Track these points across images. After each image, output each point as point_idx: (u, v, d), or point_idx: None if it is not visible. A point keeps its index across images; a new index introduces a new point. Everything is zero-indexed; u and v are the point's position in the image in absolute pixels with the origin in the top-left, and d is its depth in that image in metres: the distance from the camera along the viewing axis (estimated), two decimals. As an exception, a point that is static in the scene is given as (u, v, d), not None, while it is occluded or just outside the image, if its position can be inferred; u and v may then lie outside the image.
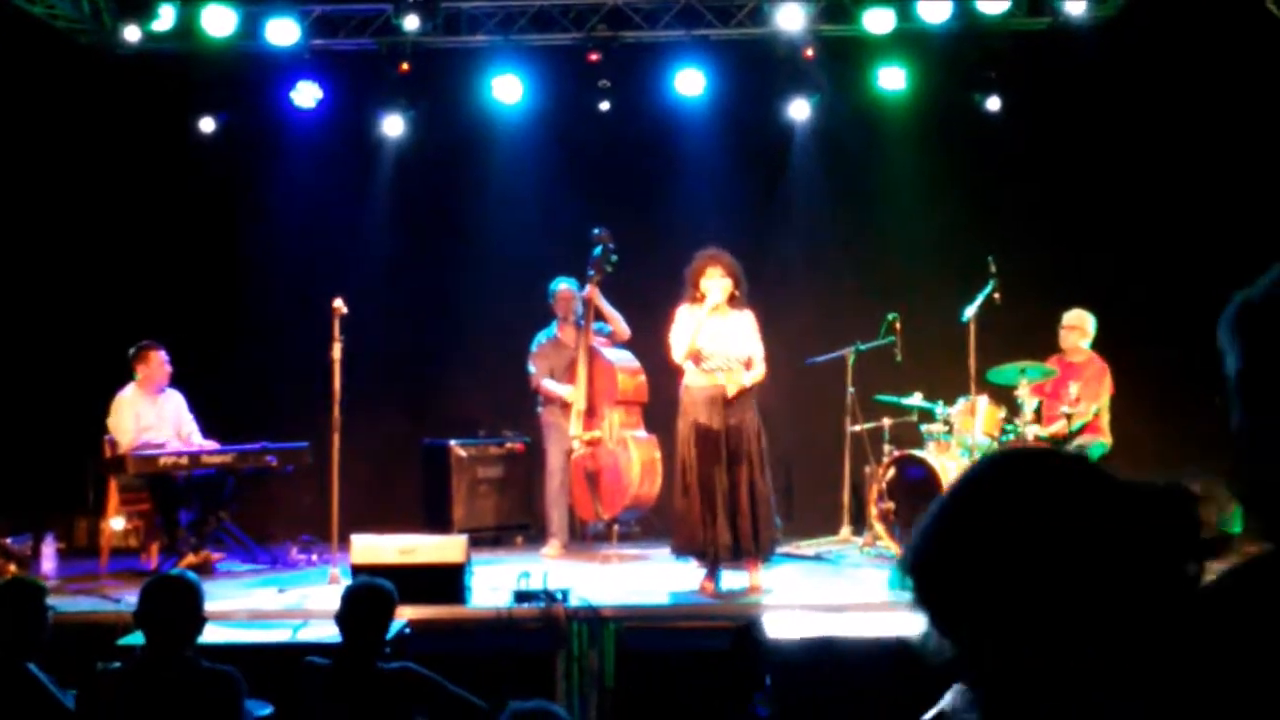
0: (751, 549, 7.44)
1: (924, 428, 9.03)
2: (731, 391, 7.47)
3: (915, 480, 8.66)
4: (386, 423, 10.39)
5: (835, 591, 7.68)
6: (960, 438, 8.73)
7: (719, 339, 7.55)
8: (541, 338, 9.53)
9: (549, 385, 9.36)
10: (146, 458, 8.52)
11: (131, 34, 9.94)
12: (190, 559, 8.38)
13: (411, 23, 9.78)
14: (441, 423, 10.39)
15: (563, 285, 9.50)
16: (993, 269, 8.85)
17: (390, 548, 7.11)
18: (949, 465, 8.50)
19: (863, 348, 9.47)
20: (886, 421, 9.30)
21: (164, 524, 8.69)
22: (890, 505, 8.77)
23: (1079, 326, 9.01)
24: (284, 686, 4.95)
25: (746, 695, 6.31)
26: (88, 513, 9.62)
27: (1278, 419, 1.37)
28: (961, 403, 8.82)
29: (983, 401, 8.75)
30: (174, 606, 4.43)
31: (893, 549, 8.63)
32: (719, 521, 7.37)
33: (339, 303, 8.10)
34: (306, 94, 10.28)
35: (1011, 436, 8.56)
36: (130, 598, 5.96)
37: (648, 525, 9.68)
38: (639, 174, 10.66)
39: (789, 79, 10.22)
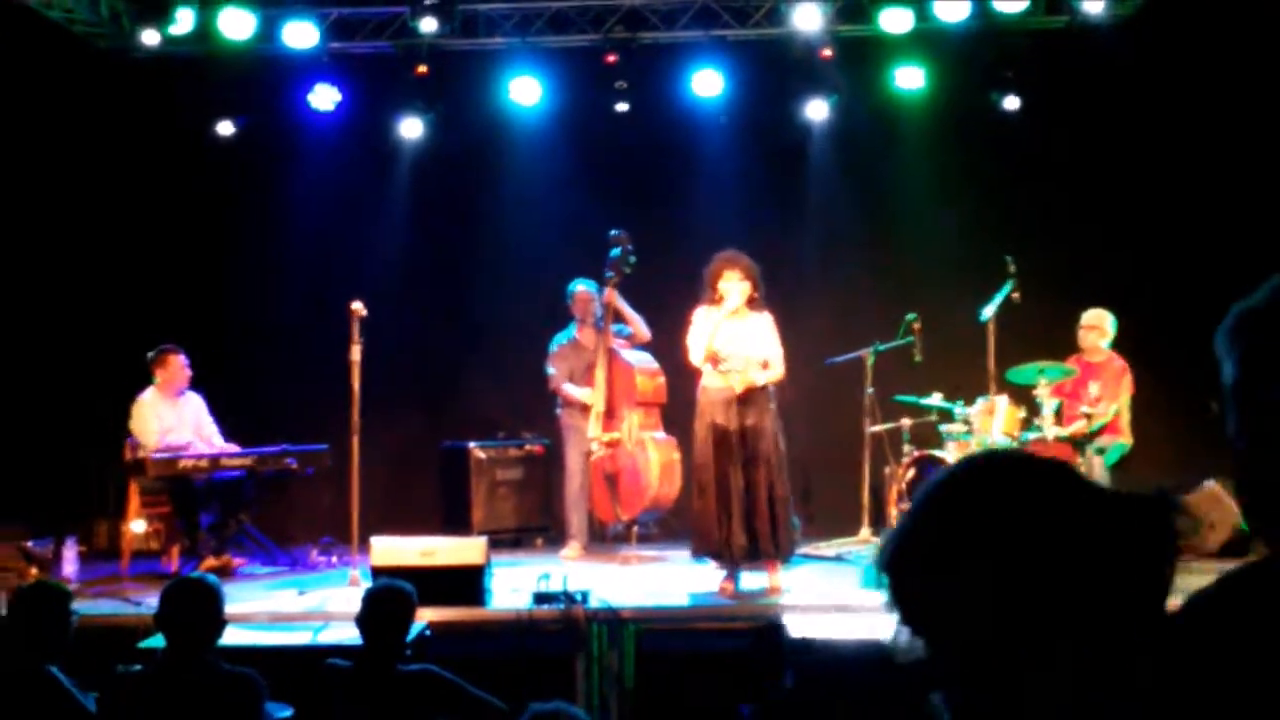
0: (770, 550, 7.42)
1: (943, 428, 9.01)
2: (739, 388, 7.43)
3: (935, 481, 8.61)
4: (406, 425, 10.42)
5: (857, 593, 7.63)
6: (980, 438, 8.69)
7: (736, 341, 7.53)
8: (560, 339, 9.53)
9: (569, 389, 9.36)
10: (166, 460, 8.54)
11: (150, 38, 9.95)
12: (211, 562, 8.40)
13: (429, 25, 9.78)
14: (461, 425, 10.39)
15: (581, 287, 9.50)
16: (1011, 269, 8.82)
17: (410, 550, 7.11)
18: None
19: (882, 348, 9.46)
20: (906, 422, 9.30)
21: (184, 527, 8.71)
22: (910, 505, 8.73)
23: (1098, 326, 8.97)
24: (304, 689, 4.94)
25: (766, 696, 6.29)
26: (108, 515, 9.69)
27: (1272, 428, 1.38)
28: (981, 403, 8.77)
29: (1002, 401, 8.71)
30: (194, 609, 4.44)
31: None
32: (734, 522, 7.35)
33: (358, 305, 8.12)
34: (324, 97, 10.29)
35: (1032, 436, 8.53)
36: (151, 600, 5.95)
37: (667, 527, 9.67)
38: (657, 175, 10.66)
39: (806, 79, 10.20)
